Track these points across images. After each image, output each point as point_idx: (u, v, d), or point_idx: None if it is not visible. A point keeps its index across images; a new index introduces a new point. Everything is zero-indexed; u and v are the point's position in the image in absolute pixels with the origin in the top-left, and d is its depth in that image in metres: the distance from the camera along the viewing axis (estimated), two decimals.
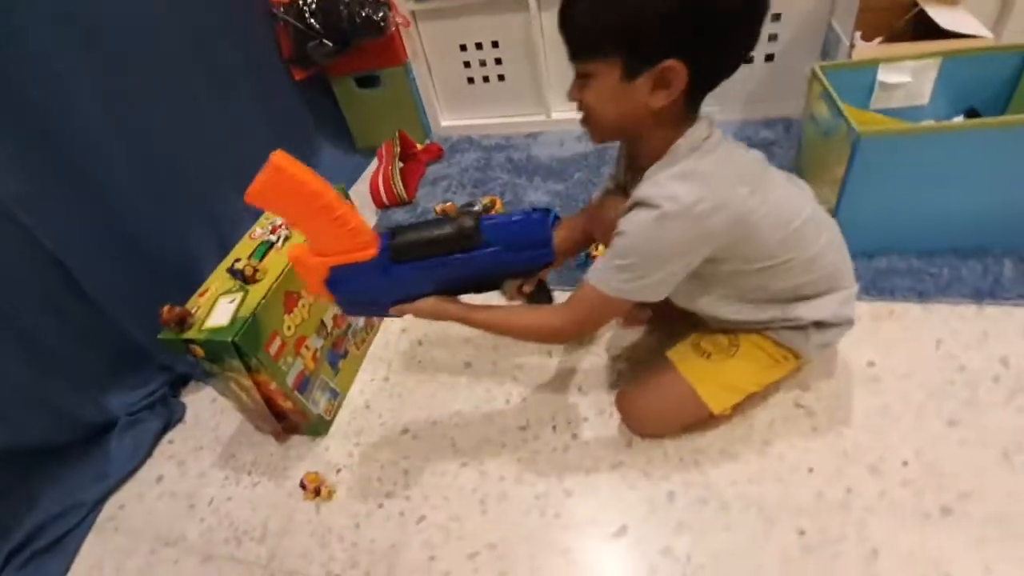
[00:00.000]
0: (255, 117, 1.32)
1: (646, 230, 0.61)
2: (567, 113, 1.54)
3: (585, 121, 0.66)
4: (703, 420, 0.80)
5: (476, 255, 0.68)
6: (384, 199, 1.40)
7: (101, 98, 0.95)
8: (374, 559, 0.78)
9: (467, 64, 1.52)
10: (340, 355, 1.00)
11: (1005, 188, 0.87)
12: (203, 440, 1.00)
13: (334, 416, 0.98)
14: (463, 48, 1.49)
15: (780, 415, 0.82)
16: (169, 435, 1.02)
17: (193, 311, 0.82)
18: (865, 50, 1.07)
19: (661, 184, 0.60)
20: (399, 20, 1.40)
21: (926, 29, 1.08)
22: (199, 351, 0.80)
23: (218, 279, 0.87)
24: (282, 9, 1.37)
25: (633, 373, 0.92)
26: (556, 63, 1.46)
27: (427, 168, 1.54)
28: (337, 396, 0.99)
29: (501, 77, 1.53)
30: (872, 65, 1.01)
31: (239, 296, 0.82)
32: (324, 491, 0.86)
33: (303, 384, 0.90)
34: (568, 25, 0.59)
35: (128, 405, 0.99)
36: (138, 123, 1.02)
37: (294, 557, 0.81)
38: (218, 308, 0.82)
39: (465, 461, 0.87)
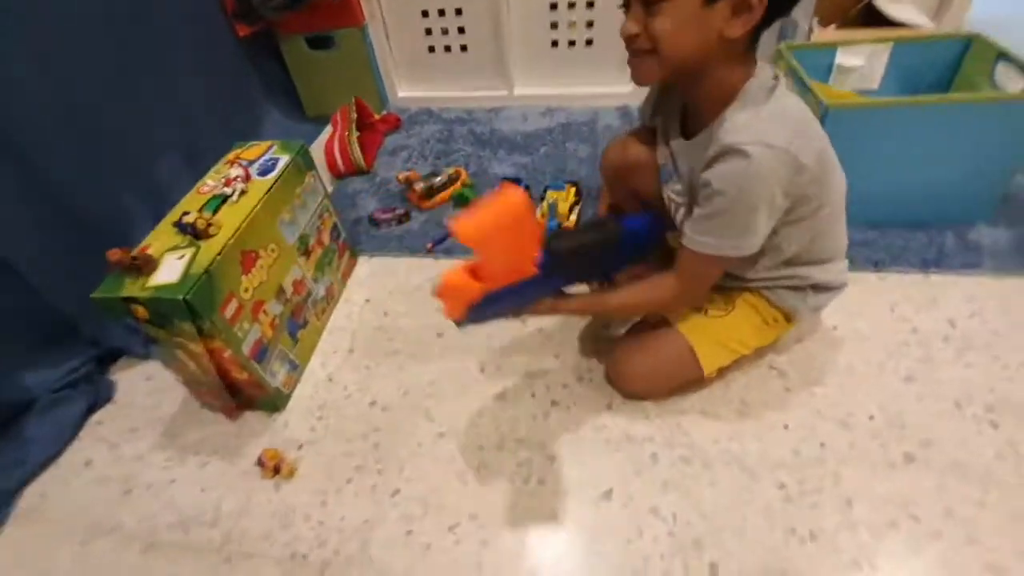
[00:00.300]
0: (193, 77, 1.19)
1: (741, 179, 0.57)
2: (531, 89, 1.52)
3: (646, 55, 0.59)
4: (692, 382, 0.80)
5: (618, 257, 0.74)
6: (340, 167, 1.31)
7: (26, 58, 0.83)
8: (344, 536, 0.72)
9: (428, 31, 1.46)
10: (299, 325, 0.92)
11: (948, 164, 0.93)
12: (138, 420, 0.89)
13: (292, 390, 0.90)
14: (425, 14, 1.43)
15: (756, 376, 0.84)
16: (97, 416, 0.90)
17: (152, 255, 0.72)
18: (824, 34, 1.12)
19: (749, 127, 0.57)
20: None
21: (874, 19, 1.15)
22: (142, 312, 0.71)
23: (162, 235, 0.77)
24: None
25: (617, 337, 0.91)
26: (521, 36, 1.43)
27: (384, 139, 1.46)
28: (296, 368, 0.91)
29: (464, 48, 1.48)
30: (831, 48, 1.06)
31: (189, 252, 0.74)
32: (285, 468, 0.79)
33: (260, 353, 0.82)
34: None
35: (49, 383, 0.87)
36: (64, 84, 0.89)
37: (253, 539, 0.73)
38: (165, 265, 0.72)
39: (441, 432, 0.83)
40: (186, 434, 0.87)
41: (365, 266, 1.12)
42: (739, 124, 0.58)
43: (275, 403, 0.86)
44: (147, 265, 0.70)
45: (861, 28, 1.15)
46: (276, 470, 0.79)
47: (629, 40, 0.59)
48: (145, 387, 0.94)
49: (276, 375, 0.85)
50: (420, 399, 0.88)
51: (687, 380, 0.80)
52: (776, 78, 0.60)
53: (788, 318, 0.78)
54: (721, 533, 0.68)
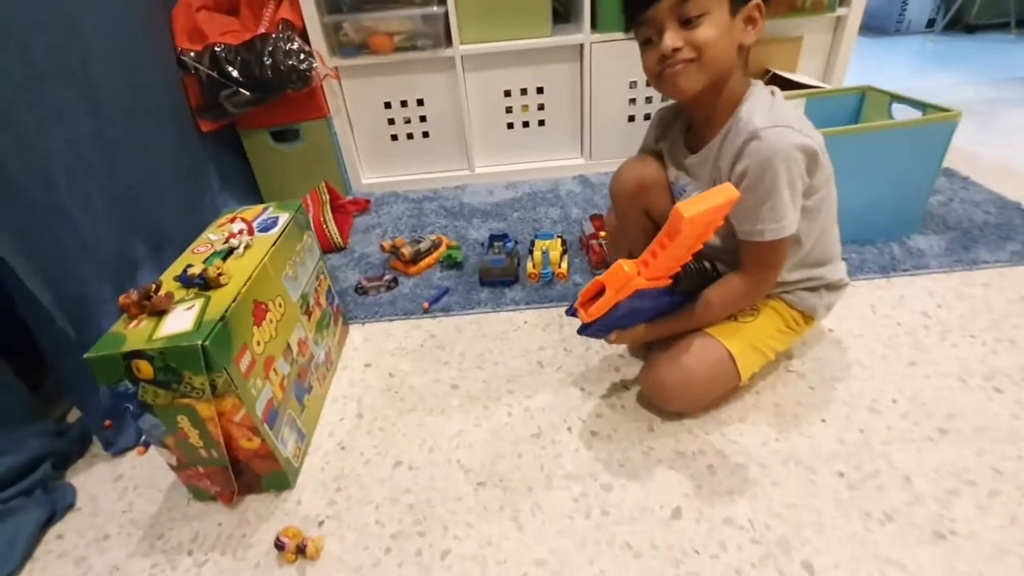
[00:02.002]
0: (154, 170, 1.14)
1: (771, 158, 0.64)
2: (491, 167, 1.61)
3: (687, 64, 0.65)
4: (727, 391, 0.81)
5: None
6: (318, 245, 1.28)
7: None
8: None
9: (391, 121, 1.55)
10: (305, 389, 0.84)
11: (878, 188, 1.08)
12: (109, 526, 0.74)
13: (301, 463, 0.80)
14: (387, 105, 1.52)
15: (779, 381, 0.86)
16: (57, 527, 0.73)
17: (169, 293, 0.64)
18: None
19: (766, 117, 0.65)
20: (327, 71, 1.39)
21: (780, 85, 1.38)
22: (146, 370, 0.62)
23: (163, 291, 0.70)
24: (193, 55, 1.29)
25: (641, 360, 0.91)
26: (479, 120, 1.55)
27: (354, 219, 1.47)
28: (304, 439, 0.81)
29: (425, 134, 1.57)
30: None
31: (198, 303, 0.67)
32: (311, 547, 0.67)
33: (272, 417, 0.73)
34: None
35: None
36: (34, 169, 0.82)
37: None
38: (171, 317, 0.65)
39: (481, 481, 0.76)
40: (174, 533, 0.72)
41: (358, 333, 1.07)
42: (755, 117, 0.66)
43: (285, 478, 0.75)
44: (162, 305, 0.62)
45: None
46: (301, 551, 0.67)
47: (671, 54, 0.65)
48: (114, 488, 0.79)
49: (287, 444, 0.76)
50: (449, 452, 0.80)
51: (723, 388, 0.80)
52: (773, 92, 0.70)
53: (807, 320, 0.82)
54: (802, 530, 0.66)
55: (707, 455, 0.76)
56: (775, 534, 0.66)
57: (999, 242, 1.11)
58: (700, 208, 0.59)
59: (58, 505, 0.75)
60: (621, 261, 0.66)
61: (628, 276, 0.66)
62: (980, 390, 0.82)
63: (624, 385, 0.88)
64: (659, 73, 0.68)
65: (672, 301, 0.77)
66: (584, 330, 0.76)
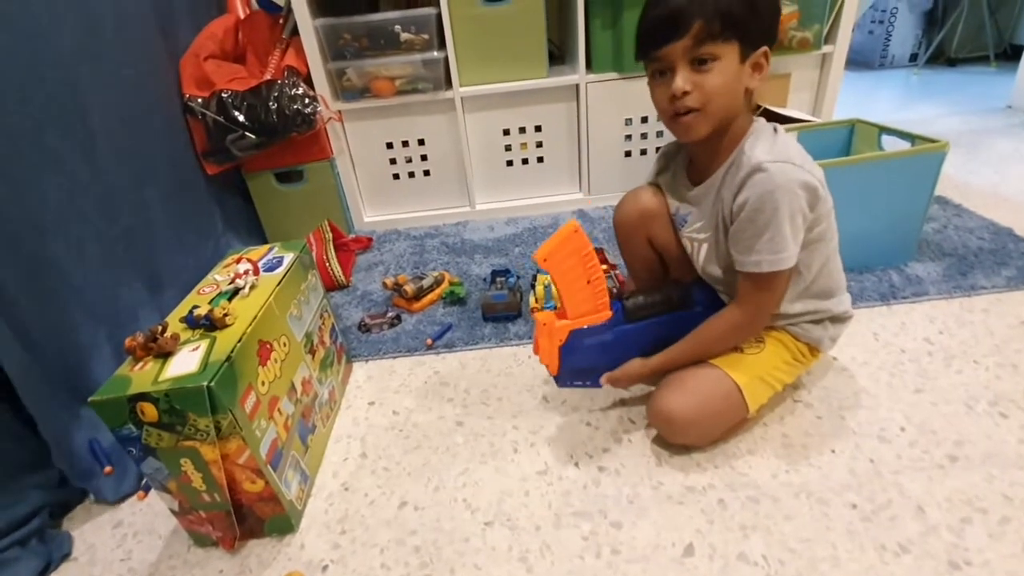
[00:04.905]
0: (154, 215, 1.15)
1: (772, 191, 0.65)
2: (491, 204, 1.64)
3: (693, 113, 0.68)
4: (735, 424, 0.81)
5: (691, 314, 0.81)
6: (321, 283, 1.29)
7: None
8: None
9: (393, 161, 1.58)
10: (309, 429, 0.83)
11: (873, 216, 1.10)
12: None
13: (304, 505, 0.78)
14: (389, 146, 1.56)
15: (786, 412, 0.86)
16: None
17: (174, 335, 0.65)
18: None
19: (769, 152, 0.67)
20: (331, 115, 1.43)
21: (772, 120, 1.42)
22: (150, 412, 0.61)
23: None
24: (200, 101, 1.33)
25: (648, 393, 0.90)
26: (479, 158, 1.59)
27: (356, 257, 1.48)
28: (307, 480, 0.80)
29: (427, 172, 1.60)
30: None
31: (204, 343, 0.67)
32: None
33: (276, 458, 0.72)
34: (707, 6, 0.63)
35: None
36: (33, 211, 0.84)
37: None
38: (177, 358, 0.65)
39: (488, 520, 0.74)
40: None
41: (361, 371, 1.06)
42: (759, 151, 0.68)
43: (288, 522, 0.74)
44: (168, 346, 0.63)
45: None
46: None
47: (680, 97, 0.67)
48: (112, 536, 0.78)
49: (290, 486, 0.75)
50: (455, 491, 0.79)
51: (731, 420, 0.80)
52: (775, 129, 0.72)
53: (813, 352, 0.83)
54: (818, 565, 0.64)
55: (717, 489, 0.75)
56: (791, 569, 0.64)
57: (995, 267, 1.13)
58: (549, 247, 0.70)
59: (54, 555, 0.73)
60: (539, 313, 0.78)
61: (547, 322, 0.76)
62: (987, 416, 0.81)
63: (630, 419, 0.88)
64: (671, 115, 0.70)
65: (646, 328, 0.81)
66: (561, 382, 0.83)
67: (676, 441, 0.80)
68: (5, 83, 0.81)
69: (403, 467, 0.84)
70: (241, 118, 1.35)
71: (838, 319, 0.82)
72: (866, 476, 0.74)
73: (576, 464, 0.81)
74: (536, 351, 0.80)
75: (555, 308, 0.78)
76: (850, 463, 0.76)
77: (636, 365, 0.80)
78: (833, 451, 0.78)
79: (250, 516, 0.73)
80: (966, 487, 0.71)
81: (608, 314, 0.77)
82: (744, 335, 0.79)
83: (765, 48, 0.68)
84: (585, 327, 0.77)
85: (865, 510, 0.70)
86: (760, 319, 0.76)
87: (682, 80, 0.66)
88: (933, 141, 1.06)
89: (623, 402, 0.91)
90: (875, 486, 0.73)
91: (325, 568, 0.70)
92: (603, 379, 0.82)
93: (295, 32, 1.42)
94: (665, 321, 0.81)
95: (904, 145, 1.12)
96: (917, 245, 1.18)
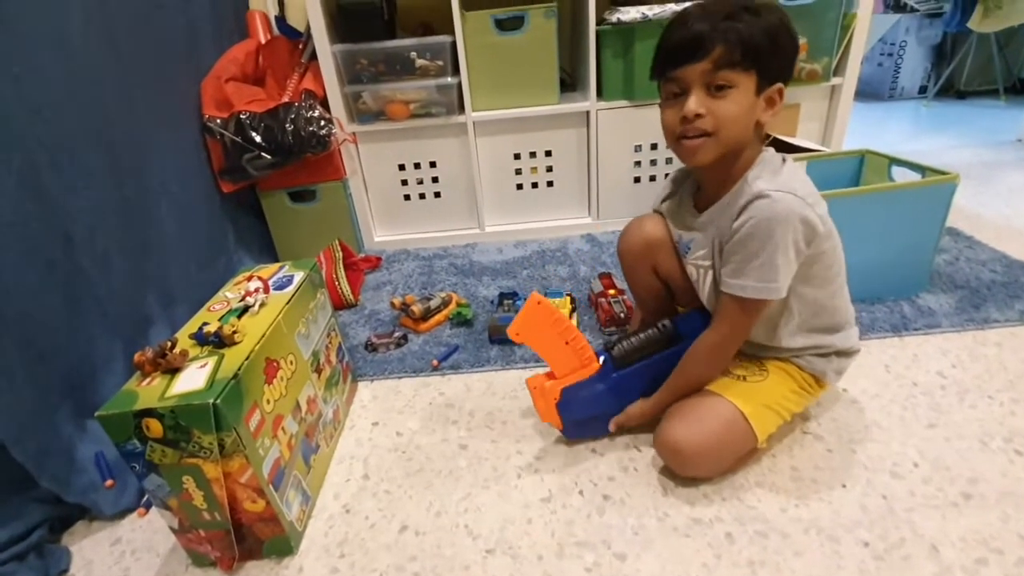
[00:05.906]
0: (169, 229, 1.17)
1: (769, 220, 0.65)
2: (501, 226, 1.65)
3: (703, 137, 0.68)
4: (744, 455, 0.79)
5: (679, 348, 0.81)
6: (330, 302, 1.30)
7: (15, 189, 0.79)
8: None
9: (404, 182, 1.60)
10: (313, 449, 0.83)
11: (885, 246, 1.10)
12: None
13: (305, 527, 0.78)
14: (401, 167, 1.58)
15: (796, 444, 0.84)
16: None
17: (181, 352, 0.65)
18: None
19: (772, 181, 0.67)
20: (346, 136, 1.46)
21: (781, 149, 1.43)
22: (156, 428, 0.61)
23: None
24: (219, 122, 1.36)
25: (655, 424, 0.89)
26: (489, 181, 1.60)
27: (365, 277, 1.49)
28: (308, 501, 0.79)
29: (437, 194, 1.62)
30: None
31: (212, 360, 0.68)
32: None
33: (278, 477, 0.71)
34: (730, 34, 0.63)
35: None
36: (53, 224, 0.85)
37: None
38: (185, 375, 0.66)
39: (489, 548, 0.73)
40: None
41: (367, 391, 1.06)
42: (763, 180, 0.68)
43: (288, 543, 0.73)
44: (177, 362, 0.63)
45: None
46: None
47: (691, 119, 0.67)
48: (110, 553, 0.77)
49: (291, 507, 0.74)
50: (456, 516, 0.78)
51: (740, 451, 0.78)
52: (784, 160, 0.73)
53: (819, 382, 0.82)
54: None
55: (724, 522, 0.73)
56: None
57: (1008, 300, 1.11)
58: (518, 323, 0.77)
59: (51, 570, 0.73)
60: (529, 379, 0.84)
61: (537, 385, 0.82)
62: (1001, 453, 0.79)
63: (636, 446, 0.87)
64: (678, 137, 0.70)
65: (639, 370, 0.83)
66: (569, 434, 0.87)
67: (686, 474, 0.78)
68: (43, 98, 0.85)
69: (405, 490, 0.83)
70: (258, 138, 1.38)
71: (844, 353, 0.81)
72: (878, 513, 0.72)
73: (580, 492, 0.80)
74: (539, 414, 0.84)
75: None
76: (861, 499, 0.74)
77: (638, 407, 0.82)
78: (844, 485, 0.77)
79: (250, 536, 0.72)
80: (981, 526, 0.69)
81: (596, 366, 0.81)
82: (721, 356, 0.78)
83: (780, 85, 0.68)
84: (575, 383, 0.81)
85: (878, 548, 0.68)
86: (734, 341, 0.76)
87: (696, 102, 0.66)
88: (944, 173, 1.06)
89: (629, 429, 0.90)
90: (888, 523, 0.71)
91: None
92: (611, 425, 0.85)
93: (313, 57, 1.46)
94: (656, 360, 0.82)
95: (915, 176, 1.12)
96: (929, 276, 1.17)
